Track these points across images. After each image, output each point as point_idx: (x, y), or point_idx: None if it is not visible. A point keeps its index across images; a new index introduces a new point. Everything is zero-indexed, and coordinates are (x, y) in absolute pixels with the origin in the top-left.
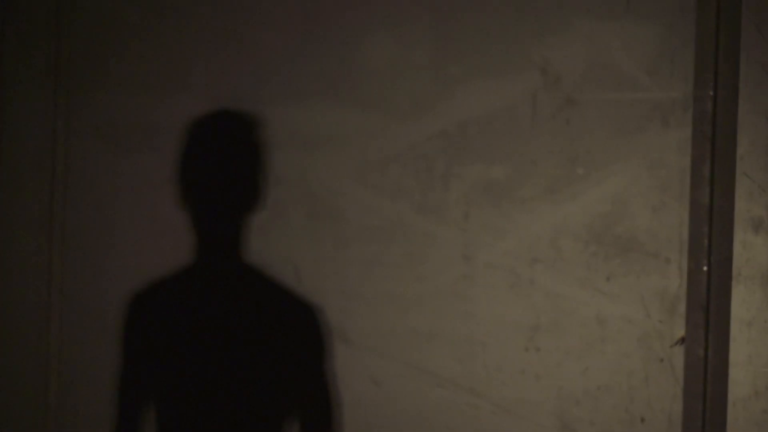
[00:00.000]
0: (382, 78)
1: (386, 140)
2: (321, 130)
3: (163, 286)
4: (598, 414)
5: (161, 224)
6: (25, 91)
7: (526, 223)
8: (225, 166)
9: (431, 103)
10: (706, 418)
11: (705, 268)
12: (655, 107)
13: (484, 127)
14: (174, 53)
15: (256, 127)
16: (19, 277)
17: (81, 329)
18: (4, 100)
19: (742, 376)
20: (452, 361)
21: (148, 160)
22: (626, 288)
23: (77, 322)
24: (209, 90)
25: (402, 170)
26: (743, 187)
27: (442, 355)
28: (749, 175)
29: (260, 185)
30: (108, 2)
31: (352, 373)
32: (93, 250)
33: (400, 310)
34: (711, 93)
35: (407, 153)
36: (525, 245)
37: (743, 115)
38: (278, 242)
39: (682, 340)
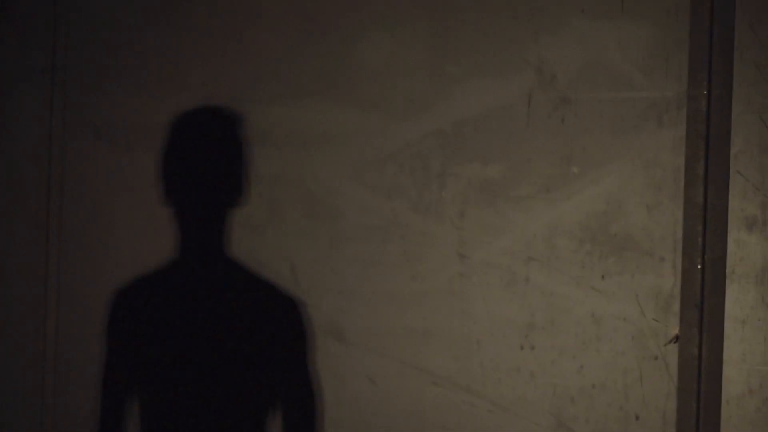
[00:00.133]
0: (379, 77)
1: (383, 139)
2: (318, 129)
3: (147, 282)
4: (593, 412)
5: (158, 223)
6: (22, 89)
7: (522, 222)
8: (206, 162)
9: (428, 102)
10: (700, 416)
11: (699, 267)
12: (650, 106)
13: (480, 127)
14: (172, 53)
15: (236, 124)
16: (16, 276)
17: (78, 327)
18: (1, 98)
19: (736, 374)
20: (448, 359)
21: (146, 160)
22: (621, 286)
23: (74, 321)
24: (207, 89)
25: (398, 169)
26: (737, 186)
27: (438, 353)
28: (743, 174)
29: (242, 181)
30: (105, 2)
31: (349, 371)
32: (90, 248)
33: (397, 309)
34: (705, 92)
35: (403, 152)
36: (521, 244)
37: (737, 115)
38: (275, 241)
39: (677, 339)
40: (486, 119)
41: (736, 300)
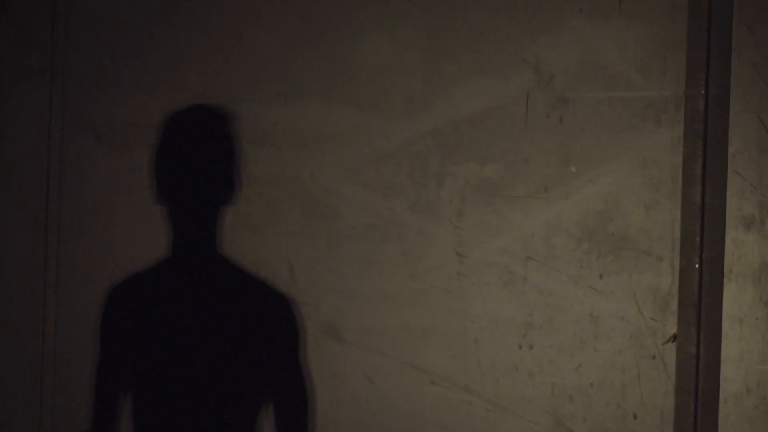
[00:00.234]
0: (377, 77)
1: (381, 139)
2: (316, 129)
3: (139, 280)
4: (590, 410)
5: (157, 222)
6: (22, 89)
7: (520, 221)
8: (198, 160)
9: (426, 102)
10: (698, 414)
11: (697, 266)
12: (648, 106)
13: (478, 126)
14: (170, 52)
15: (228, 122)
16: (14, 275)
17: (77, 327)
18: (1, 98)
19: (734, 372)
20: (446, 358)
21: (145, 160)
22: (619, 285)
23: (73, 320)
24: (205, 89)
25: (396, 169)
26: (735, 185)
27: (436, 352)
28: (741, 173)
29: (234, 179)
30: (105, 2)
31: (347, 370)
32: (89, 248)
33: (395, 308)
34: (703, 92)
35: (401, 151)
36: (518, 243)
37: (735, 114)
38: (273, 240)
39: (674, 337)
40: (484, 119)
41: (734, 299)
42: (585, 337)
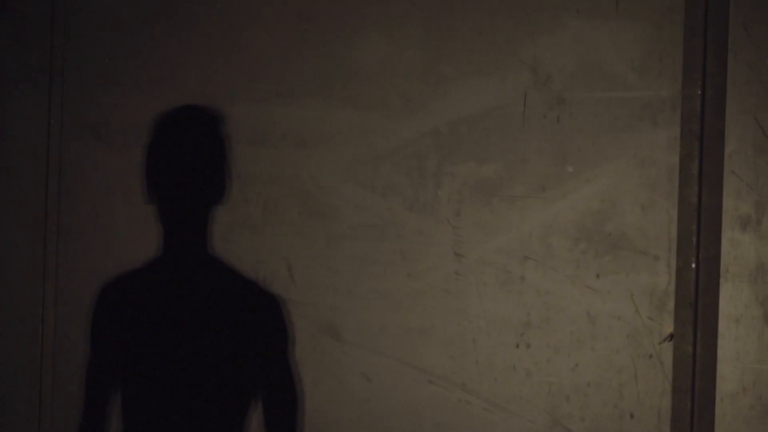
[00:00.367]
0: (375, 77)
1: (379, 139)
2: (314, 128)
3: (130, 278)
4: (587, 410)
5: (155, 222)
6: (21, 89)
7: (517, 221)
8: (188, 160)
9: (423, 101)
10: (695, 413)
11: (693, 266)
12: (645, 106)
13: (476, 126)
14: (168, 53)
15: (218, 122)
16: (13, 274)
17: (76, 327)
18: (0, 98)
19: (730, 372)
20: (444, 357)
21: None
22: (616, 285)
23: (72, 320)
24: (203, 89)
25: (394, 168)
26: (731, 186)
27: (433, 351)
28: (737, 173)
29: (225, 179)
30: (104, 2)
31: (344, 369)
32: (88, 248)
33: (392, 307)
34: (699, 92)
35: (399, 151)
36: (516, 243)
37: (731, 114)
38: (271, 240)
39: (671, 337)
40: (482, 119)
41: (730, 298)
42: (582, 336)
